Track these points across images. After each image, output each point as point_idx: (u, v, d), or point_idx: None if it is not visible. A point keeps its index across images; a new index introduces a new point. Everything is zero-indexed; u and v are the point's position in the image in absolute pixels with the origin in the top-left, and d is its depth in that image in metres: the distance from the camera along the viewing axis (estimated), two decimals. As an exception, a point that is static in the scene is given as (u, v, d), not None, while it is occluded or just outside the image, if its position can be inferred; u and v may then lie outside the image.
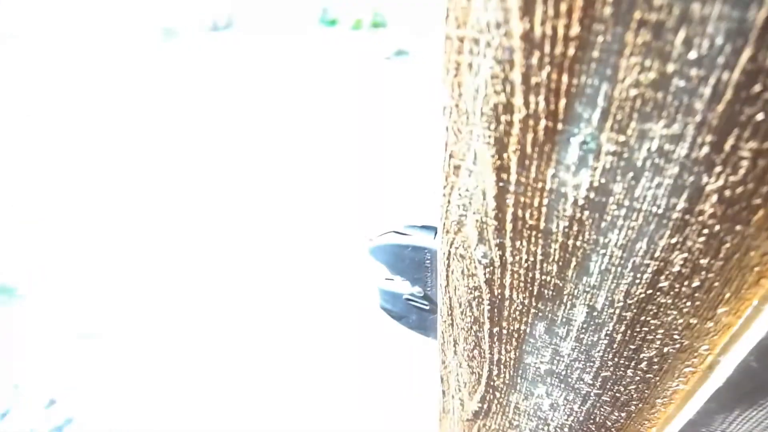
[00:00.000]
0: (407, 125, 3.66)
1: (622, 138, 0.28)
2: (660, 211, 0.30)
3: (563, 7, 0.25)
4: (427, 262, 0.46)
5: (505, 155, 0.32)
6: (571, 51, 0.26)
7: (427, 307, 0.51)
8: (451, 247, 0.41)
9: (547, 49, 0.26)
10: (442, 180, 0.36)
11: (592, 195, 0.32)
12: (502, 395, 0.53)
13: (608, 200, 0.32)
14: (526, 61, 0.27)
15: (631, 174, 0.30)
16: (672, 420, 0.45)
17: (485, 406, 0.56)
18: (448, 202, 0.37)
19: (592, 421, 0.50)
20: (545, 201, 0.33)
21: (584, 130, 0.29)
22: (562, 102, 0.28)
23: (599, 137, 0.29)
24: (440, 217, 0.39)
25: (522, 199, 0.34)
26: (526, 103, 0.29)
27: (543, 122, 0.29)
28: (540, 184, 0.33)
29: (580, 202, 0.32)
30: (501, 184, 0.34)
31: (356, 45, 5.25)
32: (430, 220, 0.48)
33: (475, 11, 0.27)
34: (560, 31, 0.25)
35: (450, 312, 0.47)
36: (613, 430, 0.50)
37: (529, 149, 0.31)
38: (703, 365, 0.37)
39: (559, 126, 0.29)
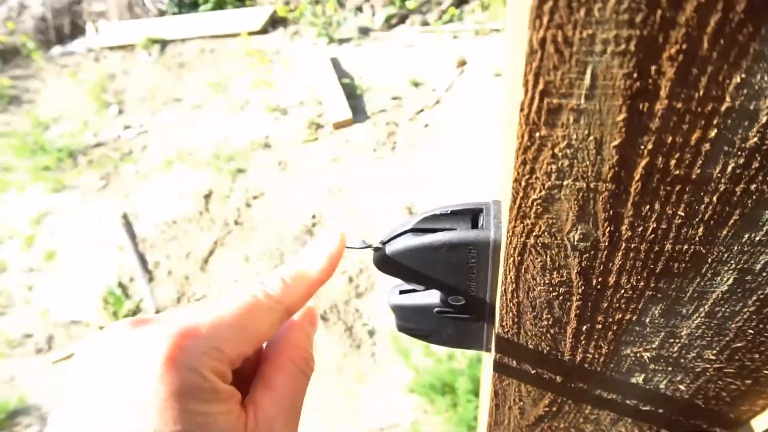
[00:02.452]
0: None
1: None
2: None
3: None
4: (472, 261, 0.31)
5: (653, 69, 0.18)
6: None
7: (469, 317, 0.37)
8: (528, 237, 0.26)
9: None
10: (518, 140, 0.21)
11: (807, 103, 0.18)
12: (579, 395, 0.41)
13: (834, 106, 0.18)
14: None
15: None
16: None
17: (554, 408, 0.44)
18: (531, 172, 0.23)
19: (701, 396, 0.39)
20: (713, 133, 0.20)
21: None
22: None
23: None
24: (511, 198, 0.24)
25: (670, 138, 0.20)
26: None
27: (749, -14, 0.15)
28: (711, 106, 0.19)
29: (780, 119, 0.19)
30: (635, 121, 0.20)
31: None
32: (459, 202, 0.33)
33: None
34: None
35: (517, 319, 0.33)
36: (728, 399, 0.39)
37: (705, 46, 0.17)
38: None
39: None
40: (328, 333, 2.13)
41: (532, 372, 0.39)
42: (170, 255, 2.60)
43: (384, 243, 0.33)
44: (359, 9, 4.03)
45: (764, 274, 0.26)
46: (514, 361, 0.39)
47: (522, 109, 0.20)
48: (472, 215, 0.32)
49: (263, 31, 3.98)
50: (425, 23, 3.80)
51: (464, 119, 3.00)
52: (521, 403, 0.44)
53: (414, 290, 0.38)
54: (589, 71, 0.18)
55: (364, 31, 3.86)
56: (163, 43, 4.07)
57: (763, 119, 0.19)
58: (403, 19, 3.88)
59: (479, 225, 0.31)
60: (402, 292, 0.39)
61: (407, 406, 1.84)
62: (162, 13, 4.35)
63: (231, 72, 3.69)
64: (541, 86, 0.19)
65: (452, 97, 3.18)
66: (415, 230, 0.32)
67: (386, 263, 0.34)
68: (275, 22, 4.07)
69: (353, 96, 3.27)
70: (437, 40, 3.62)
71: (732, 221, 0.23)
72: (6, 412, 2.08)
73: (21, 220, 2.91)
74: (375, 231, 2.43)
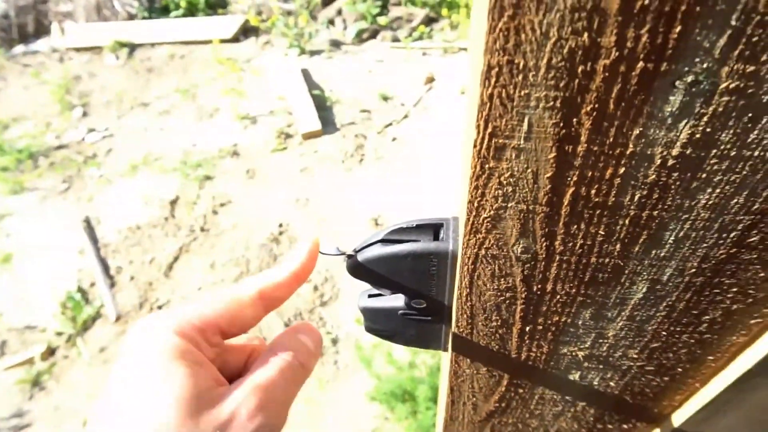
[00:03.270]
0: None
1: (751, 68, 0.20)
2: (790, 156, 0.23)
3: None
4: (433, 269, 0.36)
5: (574, 120, 0.23)
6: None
7: (430, 319, 0.42)
8: (479, 249, 0.31)
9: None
10: (471, 170, 0.27)
11: (688, 151, 0.24)
12: (526, 391, 0.46)
13: (709, 154, 0.24)
14: (632, -25, 0.18)
15: (749, 115, 0.22)
16: (721, 372, 0.41)
17: (503, 404, 0.49)
18: (482, 195, 0.28)
19: (628, 392, 0.45)
20: (621, 170, 0.25)
21: (698, 67, 0.21)
22: (677, 30, 0.19)
23: (719, 72, 0.21)
24: (465, 215, 0.29)
25: (589, 173, 0.25)
26: (620, 42, 0.20)
27: (640, 65, 0.21)
28: (618, 150, 0.24)
29: (670, 162, 0.25)
30: (562, 158, 0.25)
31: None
32: (422, 216, 0.38)
33: None
34: None
35: (470, 320, 0.38)
36: (651, 395, 0.45)
37: (611, 107, 0.22)
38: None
39: (663, 66, 0.21)
40: (292, 341, 2.14)
41: (484, 369, 0.44)
42: (133, 260, 2.57)
43: (356, 251, 0.38)
44: (331, 22, 4.10)
45: (670, 284, 0.32)
46: (468, 360, 0.44)
47: (475, 146, 0.25)
48: (434, 229, 0.37)
49: (235, 39, 3.99)
50: (396, 39, 3.89)
51: (431, 134, 3.08)
52: (474, 399, 0.49)
53: (381, 294, 0.43)
54: (526, 120, 0.24)
55: (336, 44, 3.92)
56: (132, 47, 4.03)
57: (658, 161, 0.25)
58: (374, 34, 3.96)
59: (440, 237, 0.36)
60: (371, 296, 0.43)
61: (368, 414, 1.87)
62: (131, 17, 4.31)
63: (201, 79, 3.68)
64: (489, 129, 0.24)
65: (420, 112, 3.27)
66: (384, 240, 0.37)
67: (358, 269, 0.38)
68: (247, 31, 4.09)
69: (323, 108, 3.32)
70: (407, 56, 3.71)
71: (641, 240, 0.29)
72: (-46, 420, 2.01)
73: (-25, 221, 2.82)
74: (342, 240, 2.47)
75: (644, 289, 0.33)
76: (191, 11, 4.25)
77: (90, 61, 4.00)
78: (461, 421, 0.55)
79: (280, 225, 2.64)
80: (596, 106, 0.22)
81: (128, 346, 0.31)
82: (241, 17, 4.12)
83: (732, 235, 0.28)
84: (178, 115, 3.43)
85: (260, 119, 3.32)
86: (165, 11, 4.32)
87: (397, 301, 0.42)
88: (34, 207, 2.90)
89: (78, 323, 2.32)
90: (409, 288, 0.39)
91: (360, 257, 0.37)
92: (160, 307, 2.35)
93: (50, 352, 2.26)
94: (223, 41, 3.90)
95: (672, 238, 0.29)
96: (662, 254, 0.30)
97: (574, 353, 0.40)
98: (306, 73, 3.60)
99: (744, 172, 0.25)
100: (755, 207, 0.26)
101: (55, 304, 2.39)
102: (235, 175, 2.97)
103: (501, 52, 0.21)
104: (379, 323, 0.44)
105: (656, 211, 0.27)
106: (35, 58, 4.05)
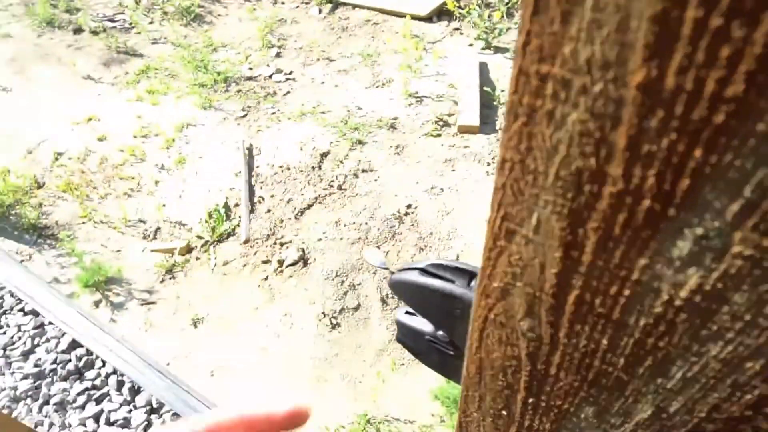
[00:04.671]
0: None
1: (767, 243, 0.19)
2: (804, 347, 0.21)
3: (724, 52, 0.15)
4: (457, 311, 0.38)
5: (580, 232, 0.23)
6: (719, 117, 0.17)
7: (452, 353, 0.43)
8: (489, 312, 0.32)
9: (679, 109, 0.17)
10: (488, 240, 0.28)
11: (698, 299, 0.23)
12: (528, 457, 0.46)
13: (721, 309, 0.23)
14: (639, 121, 0.18)
15: (767, 287, 0.21)
16: None
17: (506, 460, 0.49)
18: (494, 266, 0.29)
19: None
20: (626, 292, 0.25)
21: (709, 223, 0.20)
22: (684, 183, 0.19)
23: (731, 235, 0.20)
24: (480, 278, 0.30)
25: (594, 283, 0.25)
26: (627, 176, 0.20)
27: (646, 203, 0.20)
28: (623, 273, 0.24)
29: (678, 303, 0.23)
30: (568, 262, 0.25)
31: None
32: (464, 258, 0.39)
33: (572, 41, 0.17)
34: (708, 88, 0.16)
35: (479, 371, 0.39)
36: None
37: (617, 231, 0.22)
38: None
39: (671, 212, 0.20)
40: (383, 318, 2.23)
41: (490, 420, 0.45)
42: (275, 196, 2.83)
43: (395, 271, 0.40)
44: (526, 23, 3.99)
45: (677, 418, 0.30)
46: (476, 406, 0.44)
47: (489, 222, 0.26)
48: (470, 275, 0.38)
49: (428, 19, 4.09)
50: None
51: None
52: (480, 443, 0.50)
53: (415, 314, 0.45)
54: (535, 216, 0.24)
55: (523, 47, 3.83)
56: (336, 5, 4.32)
57: (665, 297, 0.24)
58: (565, 46, 3.78)
59: (471, 285, 0.37)
60: (407, 312, 0.46)
61: (427, 410, 1.90)
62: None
63: (385, 49, 3.85)
64: (502, 213, 0.25)
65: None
66: (423, 270, 0.39)
67: (395, 287, 0.41)
68: (441, 13, 4.16)
69: (488, 106, 3.29)
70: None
71: (646, 364, 0.28)
72: (105, 277, 2.43)
73: (168, 123, 3.30)
74: (453, 243, 2.48)
75: (649, 412, 0.31)
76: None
77: (297, 8, 4.38)
78: (467, 457, 0.55)
79: (408, 206, 2.71)
80: (602, 225, 0.22)
81: None
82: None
83: (747, 397, 0.26)
84: (353, 77, 3.64)
85: (425, 101, 3.39)
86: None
87: (427, 326, 0.44)
88: (214, 124, 3.31)
89: (215, 234, 2.63)
90: (435, 320, 0.40)
91: (394, 278, 0.40)
92: (282, 244, 2.57)
93: (188, 249, 2.60)
94: (416, 18, 4.01)
95: (679, 374, 0.27)
96: (669, 386, 0.28)
97: (576, 443, 0.39)
98: (483, 68, 3.58)
99: (761, 341, 0.23)
100: (774, 379, 0.24)
101: (204, 212, 2.73)
102: (384, 146, 3.09)
103: (515, 150, 0.22)
104: (408, 339, 0.47)
105: (662, 343, 0.26)
106: (255, -4, 4.54)
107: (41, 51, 3.94)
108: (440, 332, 0.42)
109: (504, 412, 0.42)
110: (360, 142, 3.11)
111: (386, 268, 0.45)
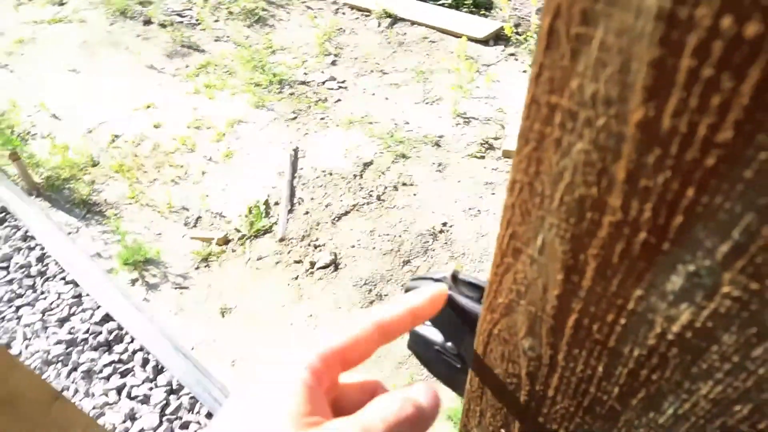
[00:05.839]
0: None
1: (755, 286, 0.20)
2: (785, 393, 0.21)
3: (715, 100, 0.16)
4: (466, 326, 0.39)
5: (581, 257, 0.24)
6: (710, 161, 0.18)
7: (459, 366, 0.44)
8: (494, 327, 0.33)
9: (673, 149, 0.18)
10: (496, 256, 0.29)
11: (689, 335, 0.23)
12: (523, 480, 0.46)
13: (711, 348, 0.23)
14: (638, 157, 0.19)
15: (754, 330, 0.21)
16: None
17: (502, 481, 0.49)
18: (500, 282, 0.30)
19: None
20: (622, 321, 0.25)
21: (700, 261, 0.21)
22: (678, 220, 0.20)
23: (721, 275, 0.20)
24: (487, 293, 0.32)
25: (592, 309, 0.26)
26: (625, 208, 0.21)
27: (643, 235, 0.21)
28: (620, 301, 0.25)
29: (670, 336, 0.24)
30: (569, 285, 0.26)
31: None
32: (479, 275, 0.40)
33: (579, 77, 0.19)
34: (701, 132, 0.17)
35: (481, 386, 0.40)
36: None
37: (615, 260, 0.23)
38: None
39: (665, 246, 0.21)
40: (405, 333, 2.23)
41: (488, 437, 0.45)
42: (314, 198, 2.88)
43: (414, 278, 0.42)
44: (584, 54, 3.96)
45: (669, 455, 0.31)
46: (477, 421, 0.45)
47: (498, 239, 0.28)
48: (482, 292, 0.39)
49: (484, 41, 4.11)
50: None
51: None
52: (478, 460, 0.50)
53: (429, 326, 0.46)
54: (540, 238, 0.25)
55: (578, 78, 3.79)
56: (395, 20, 4.39)
57: (658, 329, 0.24)
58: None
59: (482, 302, 0.38)
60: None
61: (438, 430, 1.88)
62: (407, -7, 4.68)
63: (438, 67, 3.88)
64: (510, 231, 0.27)
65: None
66: (439, 281, 0.41)
67: (410, 290, 0.42)
68: (498, 37, 4.17)
69: (536, 133, 3.27)
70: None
71: (639, 396, 0.29)
72: (144, 258, 2.52)
73: (221, 118, 3.42)
74: (484, 264, 2.46)
75: (642, 446, 0.32)
76: (457, 4, 4.46)
77: (357, 20, 4.47)
78: (465, 474, 0.56)
79: (444, 224, 2.71)
80: (601, 253, 0.23)
81: (267, 370, 0.33)
82: (498, 24, 4.21)
83: (735, 440, 0.26)
84: (404, 91, 3.69)
85: (473, 122, 3.40)
86: (436, -4, 4.61)
87: (437, 336, 0.45)
88: (265, 123, 3.40)
89: (253, 228, 2.70)
90: (445, 331, 0.42)
91: (411, 284, 0.41)
92: (316, 247, 2.62)
93: (225, 241, 2.68)
94: (473, 40, 4.04)
95: (671, 410, 0.28)
96: (660, 421, 0.29)
97: (570, 469, 0.40)
98: (535, 95, 3.56)
99: (748, 384, 0.23)
100: (761, 426, 0.25)
101: (244, 207, 2.81)
102: (427, 162, 3.11)
103: (524, 173, 0.24)
104: (419, 347, 0.48)
105: (655, 376, 0.27)
106: (317, 3, 4.66)
107: (111, 38, 4.16)
108: (449, 344, 0.43)
109: (503, 430, 0.43)
110: (403, 156, 3.14)
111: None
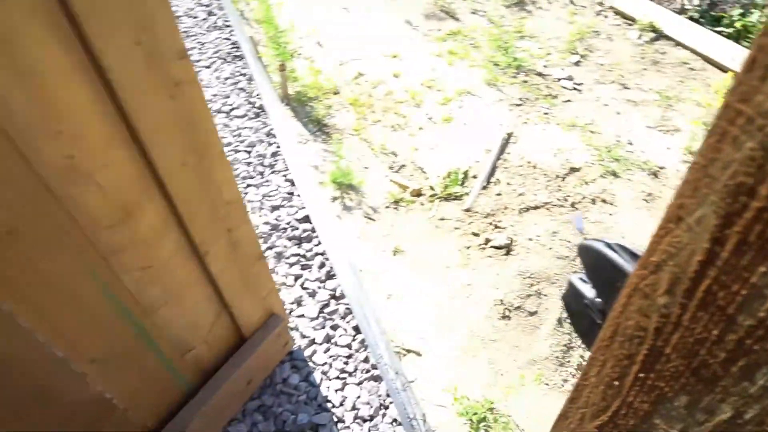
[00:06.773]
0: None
1: None
2: None
3: None
4: (619, 283, 0.48)
5: (727, 231, 0.33)
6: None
7: (599, 321, 0.54)
8: (641, 282, 0.42)
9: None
10: (661, 221, 0.38)
11: (792, 313, 0.31)
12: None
13: (805, 327, 0.30)
14: (788, 160, 0.28)
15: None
16: None
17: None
18: (658, 243, 0.39)
19: None
20: (744, 292, 0.33)
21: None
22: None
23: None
24: (644, 253, 0.41)
25: (723, 278, 0.34)
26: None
27: (777, 223, 0.30)
28: (746, 275, 0.33)
29: (777, 313, 0.32)
30: (711, 255, 0.35)
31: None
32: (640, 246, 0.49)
33: (763, 95, 0.28)
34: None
35: (612, 336, 0.49)
36: None
37: (752, 238, 0.31)
38: None
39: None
40: (550, 335, 2.25)
41: (602, 387, 0.54)
42: (511, 184, 2.96)
43: (588, 238, 0.52)
44: None
45: (749, 427, 0.37)
46: (597, 370, 0.54)
47: (667, 207, 0.37)
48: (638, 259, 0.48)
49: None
50: None
51: None
52: (584, 411, 0.59)
53: (587, 282, 0.56)
54: (700, 211, 0.34)
55: None
56: (658, 36, 4.11)
57: (769, 305, 0.32)
58: None
59: (639, 269, 0.47)
60: (581, 279, 0.57)
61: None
62: (682, 11, 4.31)
63: (688, 97, 3.57)
64: (679, 201, 0.36)
65: None
66: (608, 245, 0.50)
67: (581, 249, 0.52)
68: (776, 82, 3.65)
69: None
70: None
71: (739, 364, 0.36)
72: (349, 183, 2.88)
73: (453, 84, 3.62)
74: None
75: (729, 414, 0.39)
76: (738, 36, 3.99)
77: (618, 26, 4.28)
78: (568, 424, 0.65)
79: (631, 253, 2.59)
80: (743, 230, 0.32)
81: None
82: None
83: (806, 419, 0.33)
84: (641, 111, 3.49)
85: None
86: (716, 21, 4.16)
87: (590, 292, 0.54)
88: (490, 101, 3.53)
89: (445, 191, 2.89)
90: (599, 285, 0.51)
91: (586, 242, 0.51)
92: (497, 227, 2.71)
93: (418, 193, 2.91)
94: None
95: (762, 381, 0.35)
96: (751, 391, 0.36)
97: (663, 430, 0.47)
98: None
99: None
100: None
101: (444, 170, 3.01)
102: (636, 188, 2.96)
103: (704, 157, 0.33)
104: (571, 300, 0.58)
105: (757, 346, 0.34)
106: (582, 1, 4.55)
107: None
108: (598, 300, 0.52)
109: (616, 383, 0.51)
110: (614, 174, 3.03)
111: (580, 231, 0.51)
